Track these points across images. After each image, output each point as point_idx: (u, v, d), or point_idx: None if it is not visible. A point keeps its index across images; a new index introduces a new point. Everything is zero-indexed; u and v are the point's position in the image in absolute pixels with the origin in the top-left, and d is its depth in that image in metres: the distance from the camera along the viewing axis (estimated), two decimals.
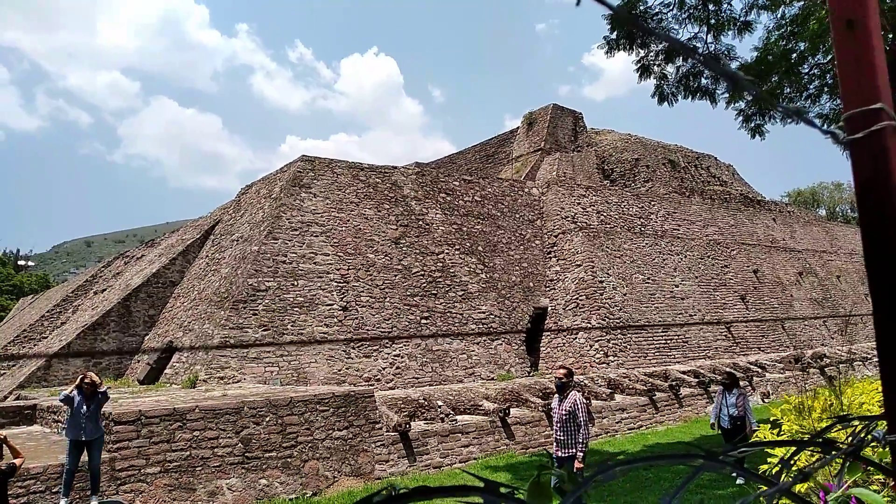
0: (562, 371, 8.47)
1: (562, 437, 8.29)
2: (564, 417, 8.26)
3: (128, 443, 9.72)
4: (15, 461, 7.32)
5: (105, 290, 27.01)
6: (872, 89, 0.59)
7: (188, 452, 10.14)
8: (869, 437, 0.65)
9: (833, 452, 0.66)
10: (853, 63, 0.60)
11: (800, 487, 2.45)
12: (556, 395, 8.66)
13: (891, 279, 0.56)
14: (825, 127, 0.69)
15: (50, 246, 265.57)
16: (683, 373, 19.73)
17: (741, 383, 12.83)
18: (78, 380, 9.43)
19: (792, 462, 0.95)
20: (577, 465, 8.05)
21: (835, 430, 1.08)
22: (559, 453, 8.38)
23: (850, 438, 0.97)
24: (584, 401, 8.53)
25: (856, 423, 1.00)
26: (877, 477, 2.50)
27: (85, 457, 9.02)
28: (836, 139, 0.63)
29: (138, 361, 20.47)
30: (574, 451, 8.21)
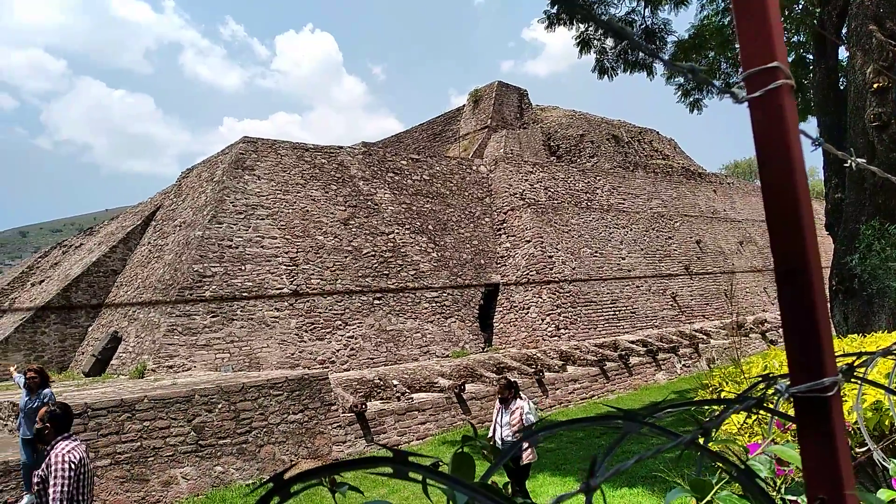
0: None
1: None
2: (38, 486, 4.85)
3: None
4: None
5: (43, 280, 26.01)
6: (769, 48, 0.62)
7: (139, 443, 9.94)
8: (771, 390, 0.68)
9: (735, 406, 0.69)
10: (751, 22, 0.62)
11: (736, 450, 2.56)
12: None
13: (787, 233, 0.58)
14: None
15: None
16: (632, 342, 20.28)
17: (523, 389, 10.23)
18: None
19: (721, 421, 0.99)
20: None
21: (759, 388, 1.13)
22: None
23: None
24: (71, 455, 4.83)
25: (779, 381, 1.05)
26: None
27: None
28: (735, 98, 0.65)
29: (83, 353, 19.86)
30: None
